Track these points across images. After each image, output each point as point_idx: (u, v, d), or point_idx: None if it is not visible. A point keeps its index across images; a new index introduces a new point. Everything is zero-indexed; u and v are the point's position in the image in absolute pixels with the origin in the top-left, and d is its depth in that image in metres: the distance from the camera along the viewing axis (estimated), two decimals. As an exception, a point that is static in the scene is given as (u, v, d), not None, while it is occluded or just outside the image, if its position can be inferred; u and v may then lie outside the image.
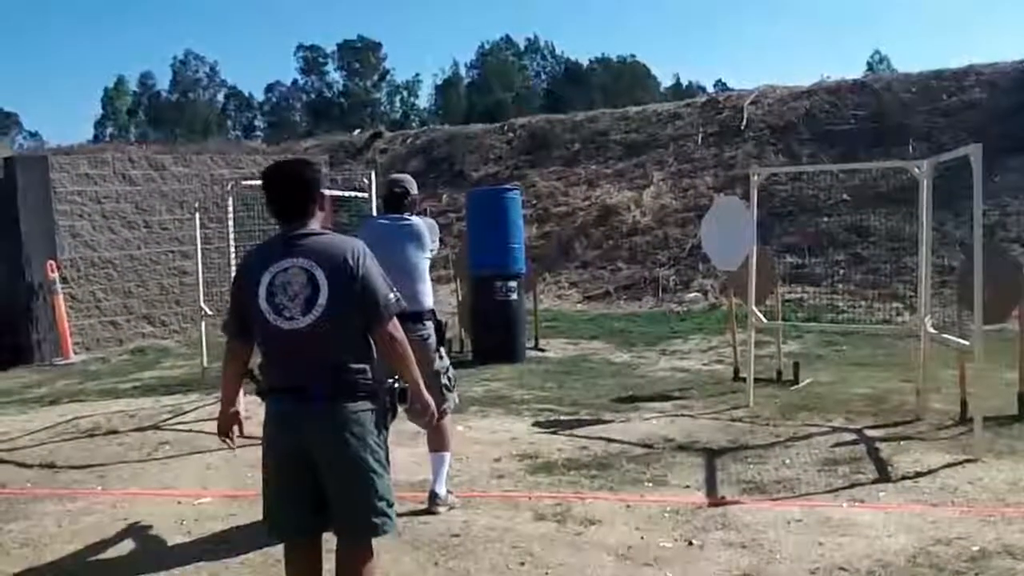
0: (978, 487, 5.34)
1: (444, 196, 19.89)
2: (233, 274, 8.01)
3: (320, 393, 3.30)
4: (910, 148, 15.57)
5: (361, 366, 3.35)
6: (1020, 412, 6.89)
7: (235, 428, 3.59)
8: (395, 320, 3.42)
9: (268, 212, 3.48)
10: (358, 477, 3.35)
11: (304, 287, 3.28)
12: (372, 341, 3.40)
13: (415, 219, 5.39)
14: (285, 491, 3.41)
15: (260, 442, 3.42)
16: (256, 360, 3.58)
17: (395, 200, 5.44)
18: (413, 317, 4.95)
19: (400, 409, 3.56)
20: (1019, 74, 17.42)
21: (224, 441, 3.62)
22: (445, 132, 24.24)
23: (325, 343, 3.29)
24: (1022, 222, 14.03)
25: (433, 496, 5.26)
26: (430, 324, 5.20)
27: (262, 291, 3.31)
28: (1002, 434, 6.41)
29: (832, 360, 9.97)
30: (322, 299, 3.26)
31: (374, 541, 3.47)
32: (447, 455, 5.35)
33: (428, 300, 5.27)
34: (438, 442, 5.31)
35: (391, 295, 3.41)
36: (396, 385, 3.49)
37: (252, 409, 3.73)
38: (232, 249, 8.12)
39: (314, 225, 3.44)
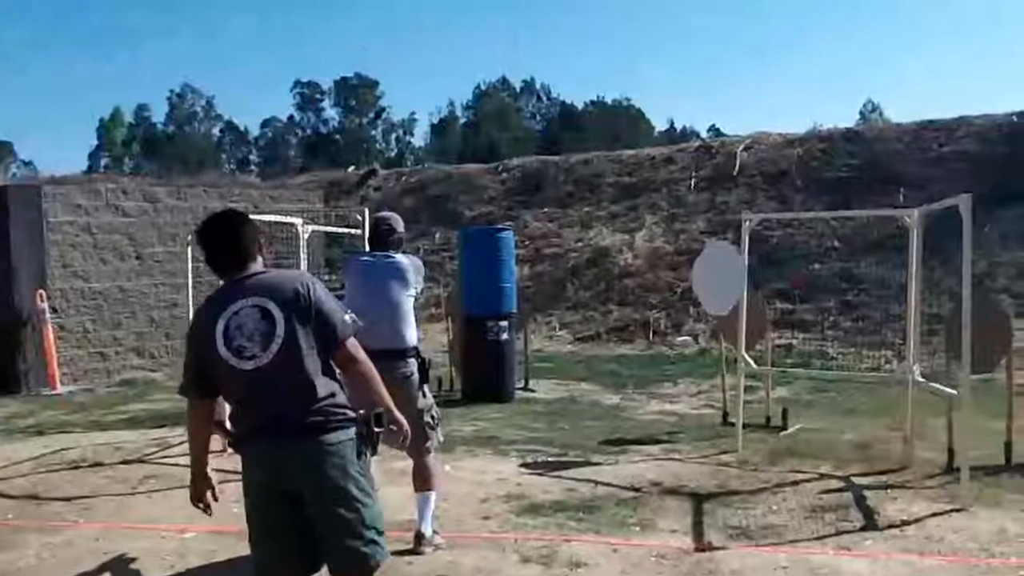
0: (964, 536, 5.33)
1: (437, 235, 19.95)
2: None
3: (293, 429, 3.26)
4: (901, 197, 15.70)
5: (331, 395, 3.33)
6: (1007, 461, 6.89)
7: (208, 494, 3.49)
8: (354, 341, 3.41)
9: (210, 269, 3.46)
10: (343, 508, 3.31)
11: (259, 323, 3.26)
12: (335, 368, 3.39)
13: (399, 256, 5.40)
14: (270, 534, 3.37)
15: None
16: (226, 413, 3.55)
17: (381, 237, 5.47)
18: (396, 354, 4.96)
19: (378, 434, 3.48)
20: (1010, 126, 17.64)
21: (198, 507, 3.52)
22: (439, 171, 24.37)
23: (291, 377, 3.26)
24: (1011, 272, 14.14)
25: (419, 536, 5.23)
26: (413, 362, 5.18)
27: (219, 338, 3.27)
28: (989, 483, 6.40)
29: (821, 406, 9.97)
30: (279, 331, 3.25)
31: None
32: (433, 495, 5.33)
33: (412, 337, 5.26)
34: (424, 482, 5.29)
35: (346, 317, 3.41)
36: (371, 411, 3.45)
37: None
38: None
39: (256, 267, 3.44)
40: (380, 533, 3.42)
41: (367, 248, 5.61)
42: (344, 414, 3.35)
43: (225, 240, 3.45)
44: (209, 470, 3.49)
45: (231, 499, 3.54)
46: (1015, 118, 17.89)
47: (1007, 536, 5.31)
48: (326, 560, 3.40)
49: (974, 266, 6.85)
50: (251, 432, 3.35)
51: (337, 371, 3.40)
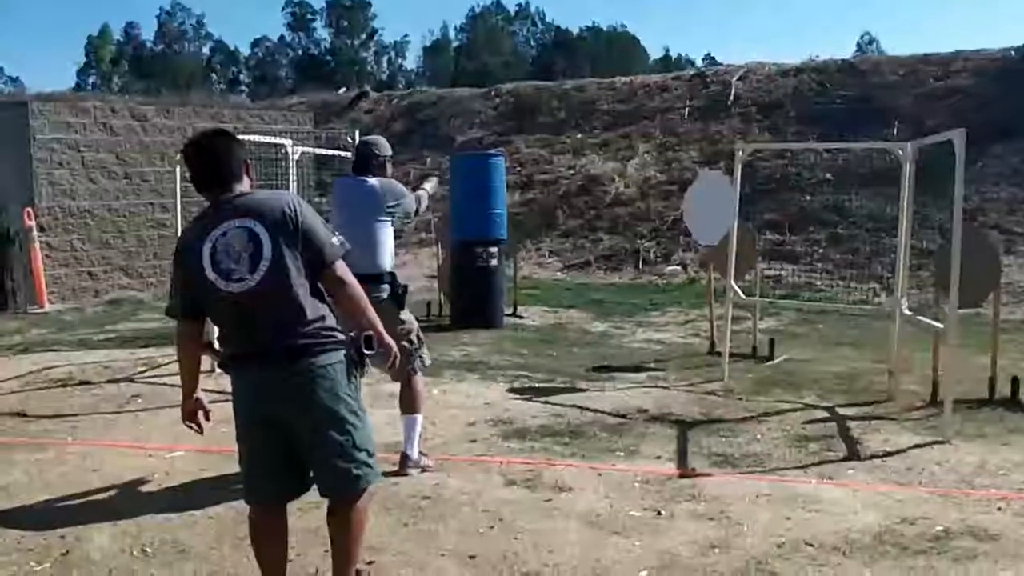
0: (945, 468, 5.39)
1: (428, 159, 19.78)
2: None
3: (282, 352, 3.25)
4: (895, 130, 15.61)
5: (320, 318, 3.31)
6: (990, 396, 6.95)
7: (200, 414, 3.49)
8: (342, 263, 3.39)
9: (195, 188, 3.41)
10: (333, 430, 3.31)
11: (247, 245, 3.23)
12: (323, 290, 3.37)
13: (373, 180, 5.33)
14: (260, 456, 3.40)
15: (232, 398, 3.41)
16: (214, 334, 3.53)
17: (362, 161, 5.43)
18: (369, 279, 4.94)
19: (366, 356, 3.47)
20: (1005, 62, 17.47)
21: (190, 427, 3.52)
22: (431, 95, 24.08)
23: (279, 299, 3.24)
24: (1002, 209, 14.13)
25: (404, 458, 5.27)
26: (386, 287, 5.17)
27: (206, 260, 3.24)
28: (972, 417, 6.47)
29: (808, 338, 10.03)
30: (267, 252, 3.22)
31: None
32: (419, 417, 5.36)
33: (386, 262, 5.23)
34: (409, 404, 5.32)
35: (334, 239, 3.38)
36: (361, 334, 3.42)
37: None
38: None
39: (242, 188, 3.40)
40: (371, 455, 3.42)
41: (352, 172, 5.56)
42: (333, 337, 3.33)
43: (210, 158, 3.39)
44: (199, 390, 3.48)
45: (218, 419, 3.54)
46: (1012, 53, 17.70)
47: (987, 469, 5.38)
48: (317, 482, 3.42)
49: (966, 202, 6.85)
50: (239, 355, 3.35)
51: (325, 294, 3.39)
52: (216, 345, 3.51)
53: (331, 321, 3.36)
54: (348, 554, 3.46)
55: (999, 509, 4.70)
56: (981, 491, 4.99)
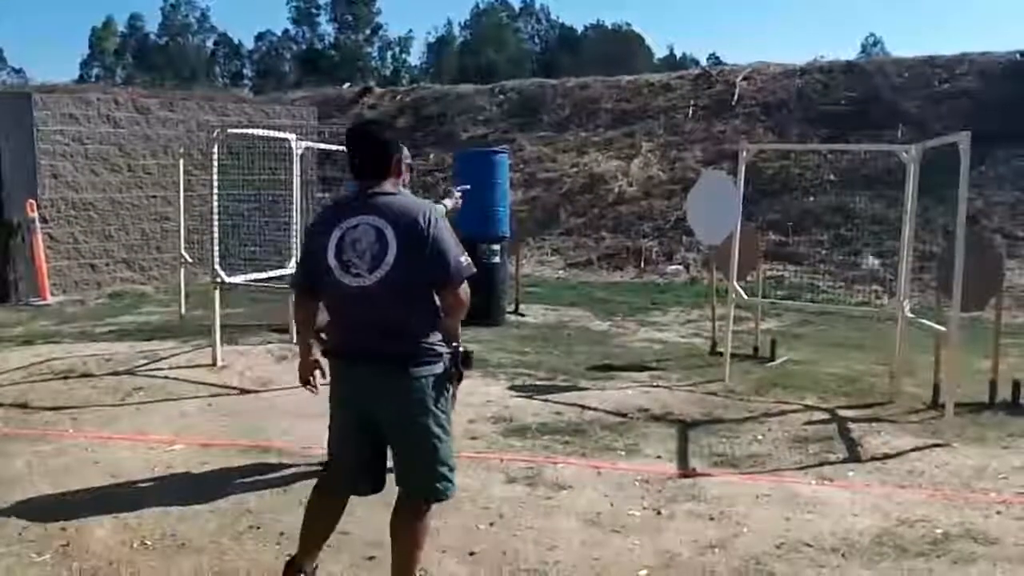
0: (945, 471, 5.40)
1: (432, 155, 19.76)
2: (216, 222, 8.01)
3: (382, 357, 3.33)
4: (899, 133, 15.59)
5: (426, 330, 3.37)
6: (991, 399, 6.96)
7: (316, 374, 3.61)
8: (464, 287, 3.44)
9: (349, 168, 3.53)
10: (420, 442, 3.40)
11: (372, 244, 3.30)
12: (438, 303, 3.43)
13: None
14: (346, 443, 3.51)
15: (237, 392, 3.42)
16: (323, 318, 3.60)
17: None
18: None
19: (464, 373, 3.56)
20: (1011, 64, 17.44)
21: (307, 388, 3.64)
22: (435, 91, 24.03)
23: (390, 303, 3.30)
24: (1005, 212, 14.12)
25: None
26: None
27: (331, 247, 3.34)
28: (972, 420, 6.47)
29: (809, 339, 10.02)
30: (390, 256, 3.27)
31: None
32: None
33: None
34: None
35: (462, 259, 3.41)
36: (461, 349, 3.50)
37: (230, 359, 3.70)
38: (215, 197, 8.04)
39: (387, 186, 3.46)
40: (452, 469, 3.50)
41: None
42: (433, 349, 3.39)
43: (365, 147, 3.49)
44: (316, 352, 3.59)
45: (220, 414, 3.55)
46: (1018, 56, 17.68)
47: (988, 472, 5.38)
48: (399, 484, 3.50)
49: (969, 205, 6.84)
50: (343, 348, 3.44)
51: (438, 310, 3.44)
52: (323, 332, 3.60)
53: (435, 335, 3.41)
54: (409, 556, 3.54)
55: (999, 513, 4.71)
56: (981, 494, 4.99)
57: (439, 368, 3.40)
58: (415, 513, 3.50)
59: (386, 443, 3.46)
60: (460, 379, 3.54)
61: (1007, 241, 13.30)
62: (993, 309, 7.40)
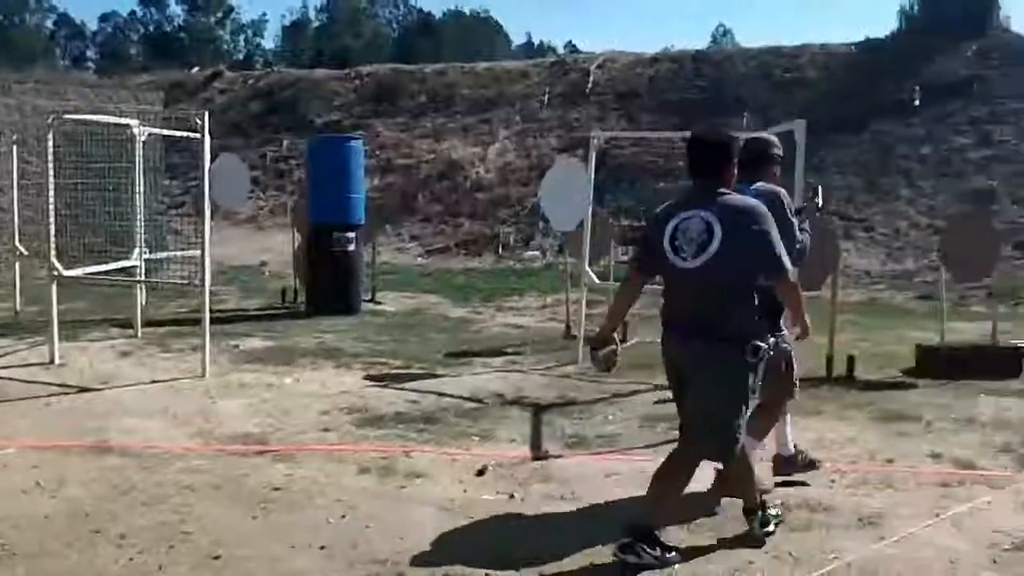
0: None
1: (285, 142, 19.37)
2: (52, 212, 7.62)
3: (692, 331, 3.88)
4: (744, 120, 16.14)
5: (736, 315, 3.82)
6: (828, 374, 7.30)
7: (612, 355, 4.20)
8: (786, 276, 3.90)
9: (687, 168, 4.09)
10: (710, 408, 3.89)
11: (700, 234, 3.81)
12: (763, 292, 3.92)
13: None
14: (677, 401, 4.15)
15: (76, 391, 3.25)
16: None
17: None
18: None
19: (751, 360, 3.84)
20: (849, 56, 18.30)
21: (598, 366, 4.33)
22: (290, 76, 23.58)
23: (709, 287, 3.82)
24: (841, 197, 14.82)
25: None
26: None
27: (667, 234, 3.90)
28: (811, 395, 6.74)
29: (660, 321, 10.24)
30: (713, 246, 3.76)
31: None
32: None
33: None
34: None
35: (784, 259, 3.85)
36: (754, 343, 3.82)
37: (69, 356, 3.51)
38: (51, 186, 7.62)
39: (723, 187, 3.93)
40: (736, 441, 3.94)
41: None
42: (738, 332, 3.80)
43: (701, 151, 4.04)
44: (616, 336, 4.25)
45: (54, 416, 3.37)
46: (853, 48, 18.56)
47: (824, 443, 5.64)
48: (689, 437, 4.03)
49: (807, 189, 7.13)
50: (668, 319, 4.08)
51: (754, 300, 3.89)
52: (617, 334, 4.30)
53: (745, 323, 3.84)
54: (739, 493, 4.23)
55: (832, 482, 4.94)
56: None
57: (735, 350, 3.80)
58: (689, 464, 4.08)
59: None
60: (757, 366, 3.89)
61: (843, 223, 13.96)
62: (829, 288, 7.74)
